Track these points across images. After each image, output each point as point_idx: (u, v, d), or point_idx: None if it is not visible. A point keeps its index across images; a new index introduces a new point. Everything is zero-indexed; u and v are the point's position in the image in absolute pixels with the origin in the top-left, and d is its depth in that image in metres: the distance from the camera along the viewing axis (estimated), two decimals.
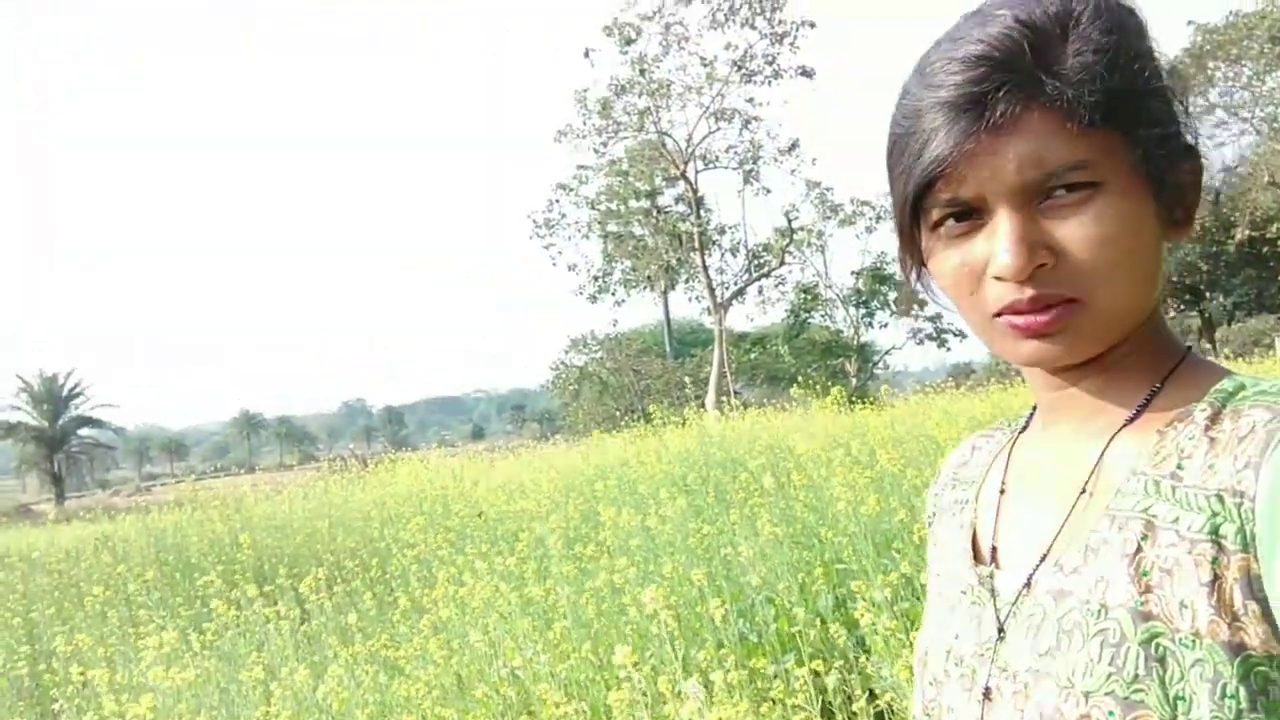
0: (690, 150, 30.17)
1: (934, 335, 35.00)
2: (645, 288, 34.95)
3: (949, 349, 35.62)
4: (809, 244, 34.06)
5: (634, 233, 34.09)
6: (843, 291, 36.06)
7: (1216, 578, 0.62)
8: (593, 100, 29.58)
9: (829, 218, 33.91)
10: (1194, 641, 0.62)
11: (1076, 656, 0.67)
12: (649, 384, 34.22)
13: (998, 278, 0.69)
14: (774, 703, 3.14)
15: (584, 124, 30.04)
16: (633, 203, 33.82)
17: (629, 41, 28.56)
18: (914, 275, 0.79)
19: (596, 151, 30.90)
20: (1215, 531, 0.63)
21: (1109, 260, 0.68)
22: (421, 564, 6.28)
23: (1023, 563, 0.77)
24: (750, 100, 29.96)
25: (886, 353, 37.68)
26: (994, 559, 0.81)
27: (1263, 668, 0.61)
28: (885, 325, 36.41)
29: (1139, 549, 0.67)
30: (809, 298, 36.17)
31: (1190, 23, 30.83)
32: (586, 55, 28.67)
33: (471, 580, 4.87)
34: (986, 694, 0.75)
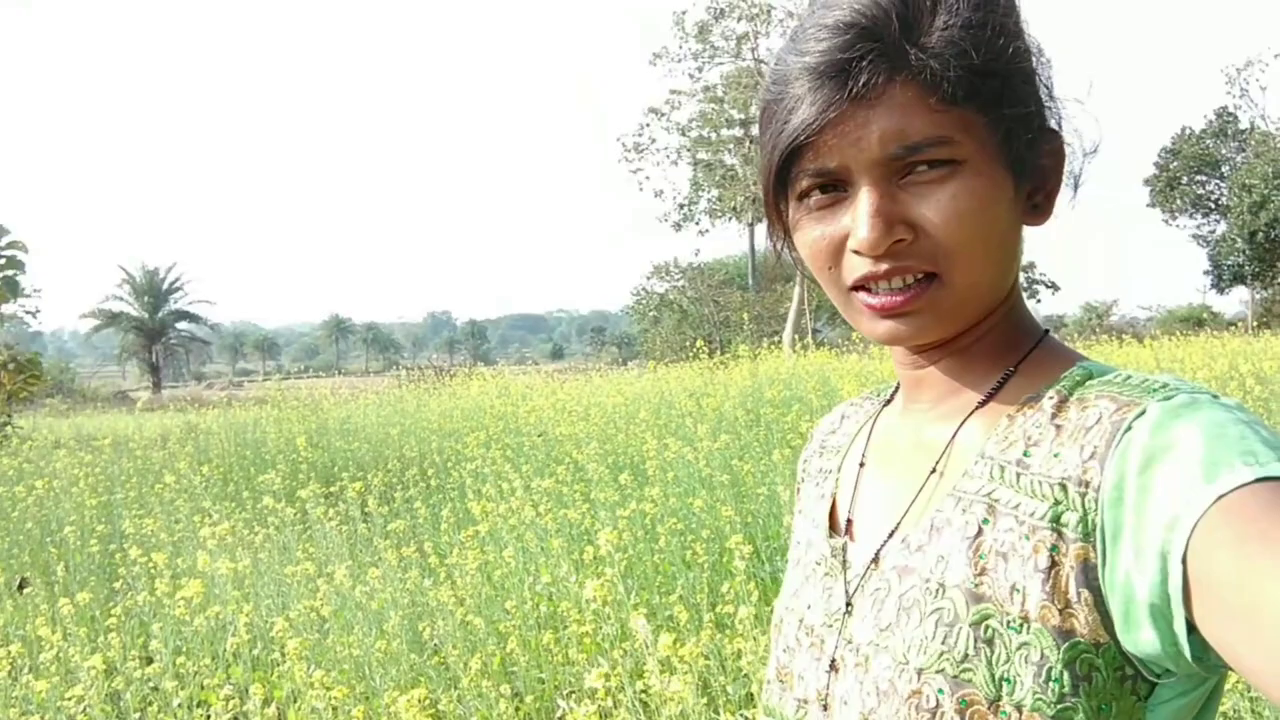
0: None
1: (1025, 285, 33.92)
2: (731, 218, 34.56)
3: (1039, 300, 34.62)
4: None
5: (724, 161, 33.58)
6: None
7: (1054, 564, 0.63)
8: (690, 23, 29.00)
9: None
10: (1022, 625, 0.63)
11: (913, 633, 0.68)
12: (729, 315, 34.06)
13: (856, 251, 0.69)
14: None
15: (680, 48, 29.52)
16: (725, 131, 33.23)
17: None
18: (780, 245, 0.79)
19: (691, 76, 30.38)
20: (1057, 520, 0.64)
21: (966, 238, 0.67)
22: (476, 478, 6.45)
23: (874, 537, 0.78)
24: None
25: None
26: (849, 531, 0.82)
27: (1089, 655, 0.62)
28: None
29: (980, 531, 0.68)
30: None
31: None
32: None
33: (520, 496, 5.00)
34: (833, 665, 0.76)
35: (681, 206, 34.40)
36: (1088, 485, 0.63)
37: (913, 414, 0.81)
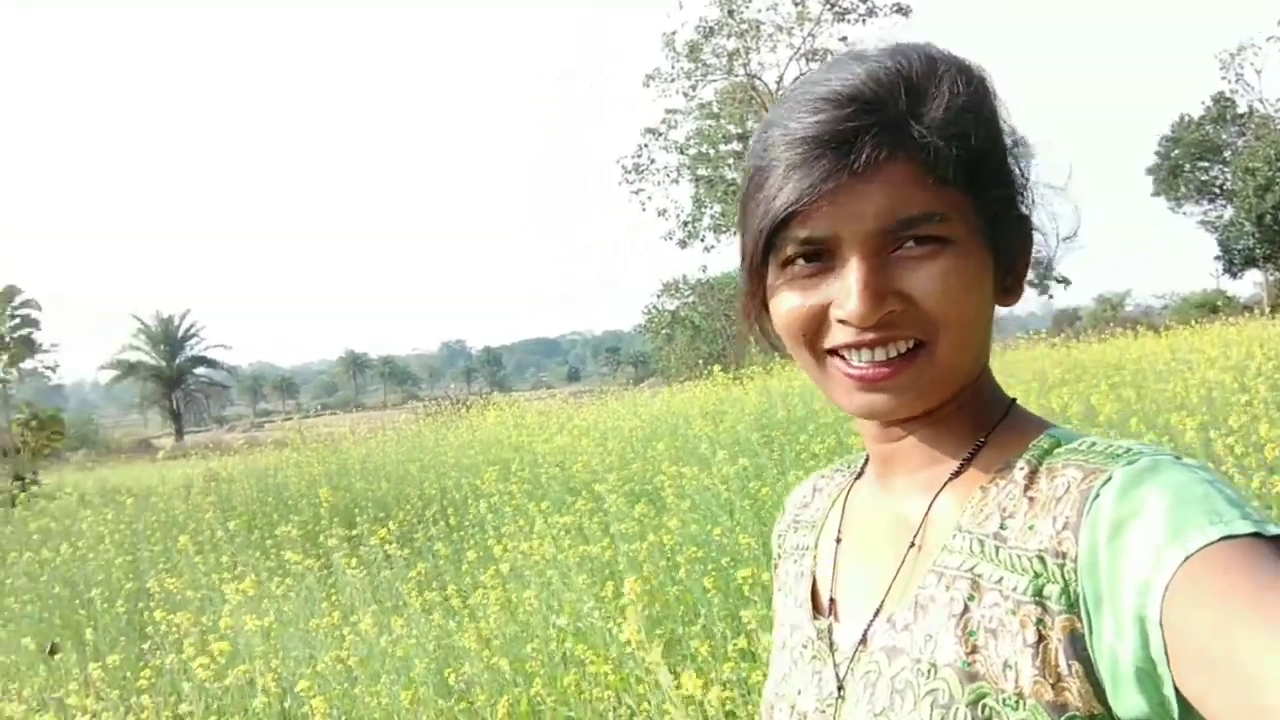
0: (781, 92, 29.54)
1: (1035, 281, 33.69)
2: (736, 232, 34.55)
3: (1051, 296, 34.46)
4: None
5: (724, 177, 33.68)
6: None
7: (1041, 638, 0.64)
8: (681, 43, 29.20)
9: None
10: (1018, 702, 0.64)
11: (909, 717, 0.68)
12: (741, 329, 33.95)
13: (842, 321, 0.70)
14: None
15: (673, 67, 29.73)
16: (723, 146, 33.36)
17: None
18: (754, 313, 0.79)
19: (685, 95, 30.57)
20: (1039, 593, 0.65)
21: (953, 315, 0.69)
22: (496, 514, 6.46)
23: (859, 616, 0.78)
24: (843, 40, 29.13)
25: None
26: (833, 611, 0.82)
27: None
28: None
29: (965, 609, 0.69)
30: None
31: None
32: None
33: (540, 532, 5.00)
34: None
35: (685, 224, 34.48)
36: (1064, 556, 0.64)
37: (886, 487, 0.82)
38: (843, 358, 0.71)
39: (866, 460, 0.88)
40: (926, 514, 0.76)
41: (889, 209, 0.67)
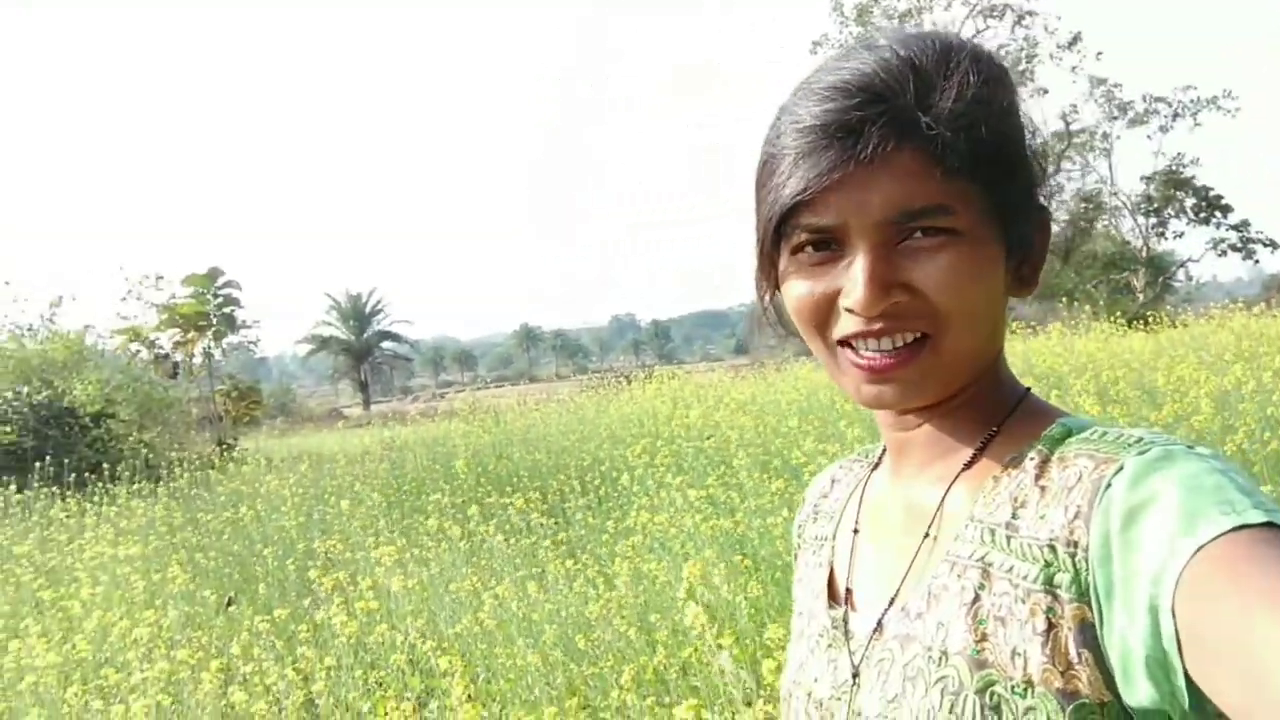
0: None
1: (1239, 245, 31.15)
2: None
3: (1257, 260, 31.67)
4: (1091, 147, 31.18)
5: None
6: (1131, 199, 32.82)
7: (1051, 626, 0.64)
8: (850, 6, 28.33)
9: (1116, 117, 30.85)
10: (1026, 690, 0.64)
11: (920, 703, 0.69)
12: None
13: (849, 310, 0.70)
14: None
15: (841, 32, 28.87)
16: None
17: None
18: (768, 297, 0.80)
19: None
20: (1050, 581, 0.65)
21: (959, 307, 0.69)
22: (639, 485, 6.57)
23: (874, 605, 0.79)
24: None
25: (1181, 265, 33.99)
26: (849, 600, 0.83)
27: (1094, 716, 0.62)
28: (1181, 235, 32.82)
29: (976, 597, 0.69)
30: (1091, 206, 33.17)
31: None
32: None
33: (676, 504, 5.06)
34: None
35: None
36: (1076, 545, 0.64)
37: (901, 478, 0.82)
38: (852, 347, 0.72)
39: (884, 451, 0.88)
40: (940, 504, 0.76)
41: (896, 200, 0.68)
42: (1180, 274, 34.00)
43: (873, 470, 0.90)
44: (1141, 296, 29.91)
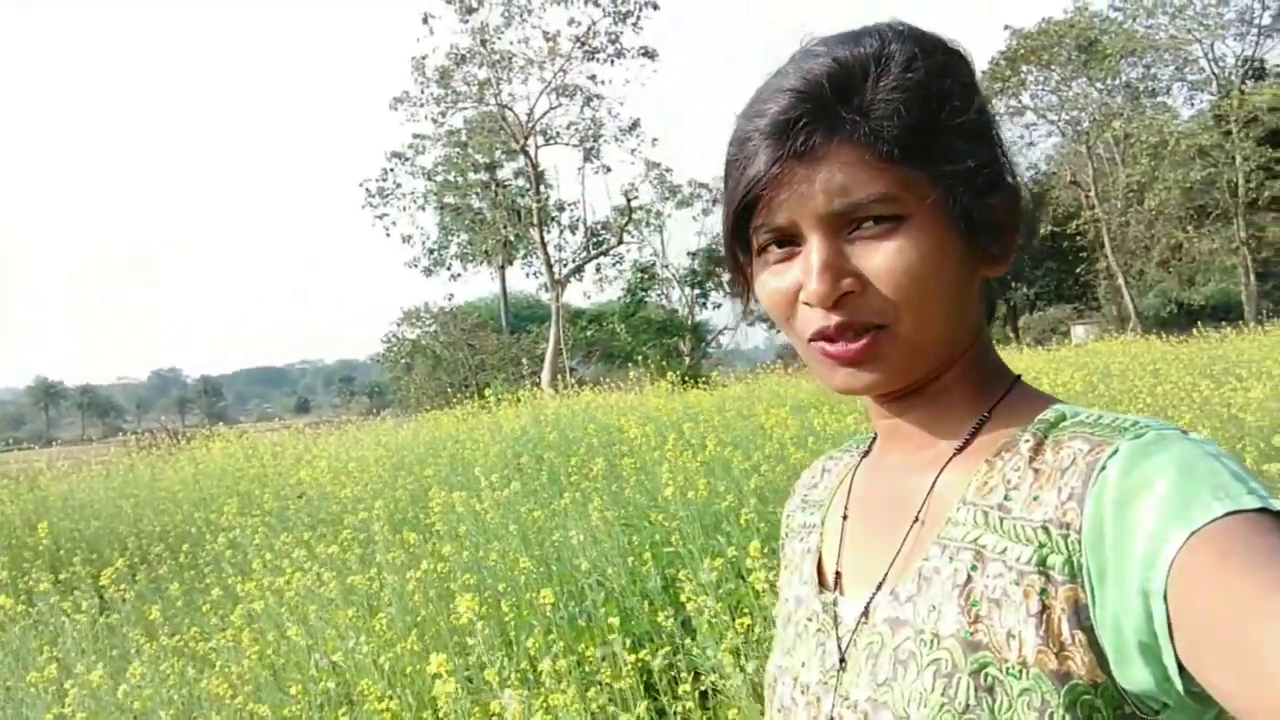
0: (531, 125, 29.83)
1: (765, 316, 35.96)
2: (482, 262, 34.48)
3: (778, 330, 36.79)
4: (647, 223, 34.47)
5: (472, 206, 33.55)
6: (679, 271, 36.71)
7: (1045, 608, 0.64)
8: (431, 68, 28.81)
9: (667, 198, 34.45)
10: (1021, 671, 0.64)
11: (911, 687, 0.68)
12: (484, 359, 33.75)
13: (806, 303, 0.72)
14: (600, 686, 3.16)
15: (422, 92, 29.21)
16: (471, 175, 33.25)
17: (470, 10, 27.90)
18: (743, 298, 0.82)
19: (434, 121, 30.15)
20: (1043, 563, 0.65)
21: (912, 292, 0.70)
22: (236, 549, 5.96)
23: (863, 590, 0.78)
24: (592, 78, 29.91)
25: (719, 333, 38.55)
26: (838, 585, 0.82)
27: (1088, 696, 0.63)
28: (719, 306, 37.33)
29: (969, 579, 0.69)
30: (646, 277, 36.58)
31: (1007, 27, 32.78)
32: (425, 21, 27.82)
33: (291, 568, 4.65)
34: None
35: (431, 252, 33.95)
36: (1069, 527, 0.64)
37: (891, 463, 0.83)
38: (826, 338, 0.73)
39: (875, 439, 0.89)
40: (931, 488, 0.76)
41: (835, 190, 0.69)
42: (716, 340, 38.54)
43: (863, 457, 0.90)
44: (688, 359, 33.34)
